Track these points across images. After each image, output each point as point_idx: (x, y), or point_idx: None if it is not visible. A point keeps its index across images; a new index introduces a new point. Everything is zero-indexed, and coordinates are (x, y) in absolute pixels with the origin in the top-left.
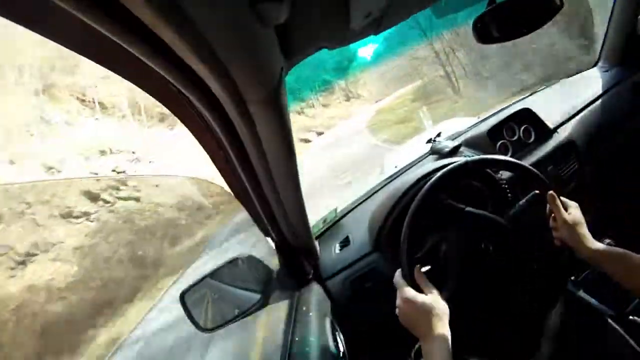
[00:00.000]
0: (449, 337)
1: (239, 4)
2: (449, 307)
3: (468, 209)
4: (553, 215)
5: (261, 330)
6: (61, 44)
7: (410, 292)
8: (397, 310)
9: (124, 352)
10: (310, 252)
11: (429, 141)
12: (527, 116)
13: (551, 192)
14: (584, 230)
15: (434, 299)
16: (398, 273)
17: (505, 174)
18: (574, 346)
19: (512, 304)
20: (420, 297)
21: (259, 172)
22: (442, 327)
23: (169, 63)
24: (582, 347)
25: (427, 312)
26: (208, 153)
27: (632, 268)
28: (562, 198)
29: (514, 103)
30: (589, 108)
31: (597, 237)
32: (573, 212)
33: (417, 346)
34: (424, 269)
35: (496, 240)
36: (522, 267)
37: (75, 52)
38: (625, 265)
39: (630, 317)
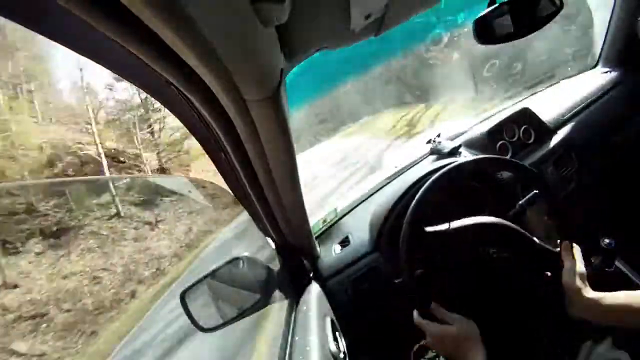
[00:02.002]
0: (485, 357)
1: (240, 4)
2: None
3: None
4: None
5: (261, 330)
6: (61, 44)
7: (435, 328)
8: (432, 346)
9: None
10: (310, 252)
11: (428, 142)
12: (527, 117)
13: (568, 244)
14: (588, 288)
15: (460, 326)
16: (416, 314)
17: (505, 174)
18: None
19: (514, 304)
20: (448, 330)
21: (259, 173)
22: (478, 348)
23: (169, 63)
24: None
25: (459, 341)
26: (208, 153)
27: (631, 314)
28: (578, 250)
29: (514, 103)
30: (589, 109)
31: (597, 237)
32: (583, 267)
33: (416, 346)
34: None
35: (498, 244)
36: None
37: (76, 52)
38: (623, 317)
39: None
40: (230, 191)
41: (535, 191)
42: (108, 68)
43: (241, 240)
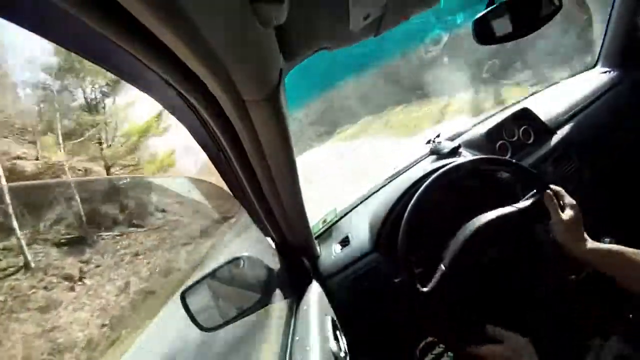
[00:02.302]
0: None
1: (239, 4)
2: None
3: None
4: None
5: (261, 330)
6: (60, 45)
7: (490, 349)
8: None
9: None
10: (310, 251)
11: (428, 142)
12: (526, 117)
13: (548, 191)
14: (579, 229)
15: (509, 344)
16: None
17: (504, 174)
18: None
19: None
20: (497, 350)
21: (259, 173)
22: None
23: (168, 64)
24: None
25: (516, 357)
26: (207, 153)
27: (628, 266)
28: (562, 194)
29: (513, 103)
30: (588, 109)
31: (598, 237)
32: (569, 211)
33: (422, 344)
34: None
35: (501, 246)
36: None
37: (74, 52)
38: (621, 264)
39: (631, 315)
40: (230, 191)
41: (534, 191)
42: (107, 69)
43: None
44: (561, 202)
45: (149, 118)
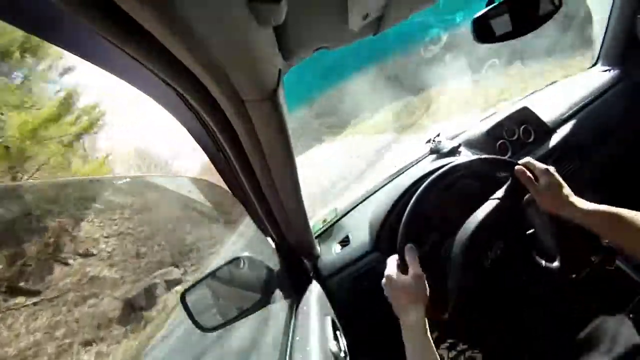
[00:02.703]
0: (422, 322)
1: (237, 4)
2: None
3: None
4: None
5: (261, 330)
6: (58, 46)
7: (391, 270)
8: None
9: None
10: (311, 251)
11: (428, 141)
12: (526, 116)
13: (518, 167)
14: (565, 191)
15: (415, 280)
16: (393, 257)
17: (504, 174)
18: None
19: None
20: (400, 278)
21: (258, 173)
22: (416, 311)
23: (166, 64)
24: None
25: (405, 294)
26: (207, 153)
27: (621, 226)
28: (533, 165)
29: (513, 102)
30: (588, 108)
31: (598, 235)
32: (544, 178)
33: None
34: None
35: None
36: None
37: (73, 53)
38: (614, 224)
39: (631, 315)
40: (229, 191)
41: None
42: (106, 70)
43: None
44: (535, 172)
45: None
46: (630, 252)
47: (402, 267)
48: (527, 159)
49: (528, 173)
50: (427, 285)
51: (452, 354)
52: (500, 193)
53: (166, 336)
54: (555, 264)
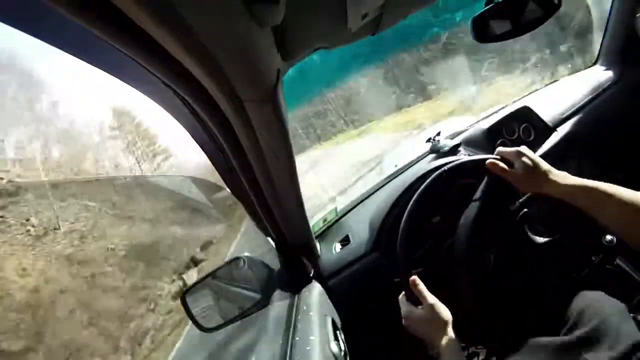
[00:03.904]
0: (455, 343)
1: (235, 5)
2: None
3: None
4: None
5: (261, 330)
6: (57, 47)
7: (407, 308)
8: (405, 326)
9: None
10: (311, 251)
11: (428, 140)
12: (526, 115)
13: (489, 161)
14: (542, 168)
15: (431, 309)
16: (402, 295)
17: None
18: None
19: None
20: (417, 312)
21: (258, 173)
22: (445, 333)
23: (165, 64)
24: None
25: (428, 324)
26: (206, 154)
27: (600, 199)
28: (504, 153)
29: (513, 101)
30: (588, 106)
31: (598, 234)
32: (519, 161)
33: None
34: (418, 270)
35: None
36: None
37: (72, 54)
38: (593, 197)
39: (631, 314)
40: (229, 191)
41: (530, 193)
42: (104, 70)
43: None
44: (508, 159)
45: None
46: (607, 225)
47: (414, 301)
48: (498, 149)
49: (501, 164)
50: (444, 308)
51: None
52: (478, 193)
53: None
54: (549, 239)
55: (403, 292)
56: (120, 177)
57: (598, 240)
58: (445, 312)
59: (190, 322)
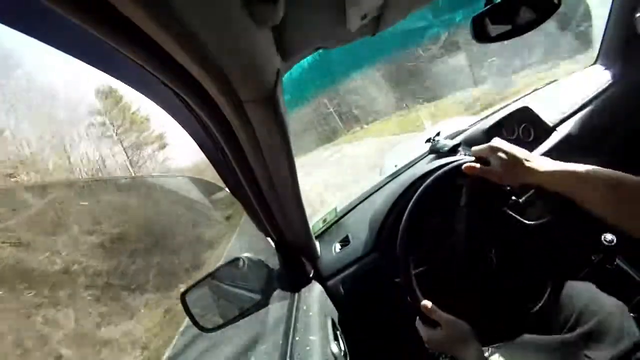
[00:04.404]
0: (480, 350)
1: (234, 5)
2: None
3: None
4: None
5: (262, 330)
6: (57, 48)
7: (426, 332)
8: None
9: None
10: (310, 251)
11: (428, 140)
12: (526, 115)
13: (465, 166)
14: (519, 156)
15: (451, 328)
16: (418, 320)
17: None
18: None
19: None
20: (438, 334)
21: (257, 173)
22: (470, 347)
23: (164, 65)
24: None
25: (451, 342)
26: (206, 154)
27: (579, 181)
28: (479, 153)
29: (513, 101)
30: (588, 106)
31: (598, 234)
32: (494, 156)
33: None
34: (418, 270)
35: (501, 247)
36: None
37: (71, 55)
38: (572, 180)
39: (632, 314)
40: (229, 191)
41: (532, 190)
42: (103, 70)
43: None
44: (484, 157)
45: None
46: (590, 207)
47: (431, 323)
48: (472, 149)
49: (477, 165)
50: (460, 322)
51: None
52: (463, 200)
53: None
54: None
55: (418, 318)
56: (121, 177)
57: (598, 240)
58: (464, 326)
59: (185, 322)
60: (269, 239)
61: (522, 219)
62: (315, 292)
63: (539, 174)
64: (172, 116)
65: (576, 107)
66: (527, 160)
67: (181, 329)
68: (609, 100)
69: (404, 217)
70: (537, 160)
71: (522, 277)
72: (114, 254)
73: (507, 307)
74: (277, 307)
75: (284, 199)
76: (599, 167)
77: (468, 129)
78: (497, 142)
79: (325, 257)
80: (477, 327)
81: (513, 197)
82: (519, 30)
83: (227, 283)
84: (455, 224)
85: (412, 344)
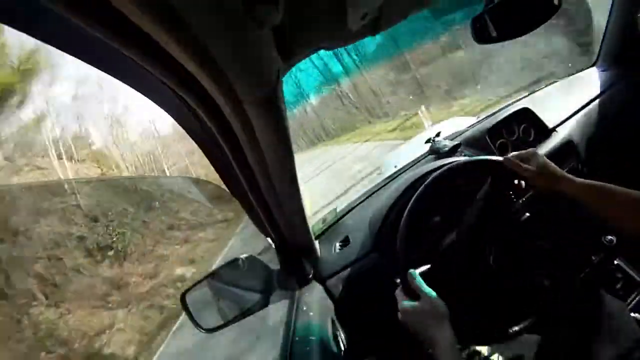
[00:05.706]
0: (451, 338)
1: (234, 5)
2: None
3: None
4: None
5: (262, 330)
6: (57, 48)
7: (404, 303)
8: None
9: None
10: (310, 251)
11: (428, 141)
12: (526, 115)
13: (506, 158)
14: (554, 168)
15: (428, 304)
16: (399, 289)
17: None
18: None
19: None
20: (412, 306)
21: (257, 173)
22: (441, 329)
23: (165, 65)
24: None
25: (424, 318)
26: (206, 154)
27: (609, 198)
28: (518, 153)
29: (513, 102)
30: (588, 107)
31: (598, 234)
32: (535, 159)
33: None
34: (423, 268)
35: (499, 247)
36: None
37: (72, 55)
38: (603, 196)
39: (632, 314)
40: (228, 191)
41: (531, 192)
42: (103, 70)
43: None
44: (522, 159)
45: None
46: (615, 220)
47: (411, 295)
48: (513, 153)
49: (517, 160)
50: (441, 302)
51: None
52: (482, 193)
53: None
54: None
55: (400, 286)
56: (120, 177)
57: (598, 240)
58: (442, 306)
59: (180, 321)
60: (269, 239)
61: (521, 219)
62: (315, 292)
63: (574, 185)
64: (172, 116)
65: (576, 108)
66: (562, 172)
67: (174, 327)
68: (609, 102)
69: (404, 217)
70: (570, 175)
71: (522, 277)
72: None
73: (507, 307)
74: (277, 307)
75: (284, 200)
76: (631, 190)
77: (468, 129)
78: (536, 154)
79: (325, 258)
80: (477, 327)
81: (513, 198)
82: (519, 30)
83: (227, 283)
84: (457, 222)
85: (411, 344)
